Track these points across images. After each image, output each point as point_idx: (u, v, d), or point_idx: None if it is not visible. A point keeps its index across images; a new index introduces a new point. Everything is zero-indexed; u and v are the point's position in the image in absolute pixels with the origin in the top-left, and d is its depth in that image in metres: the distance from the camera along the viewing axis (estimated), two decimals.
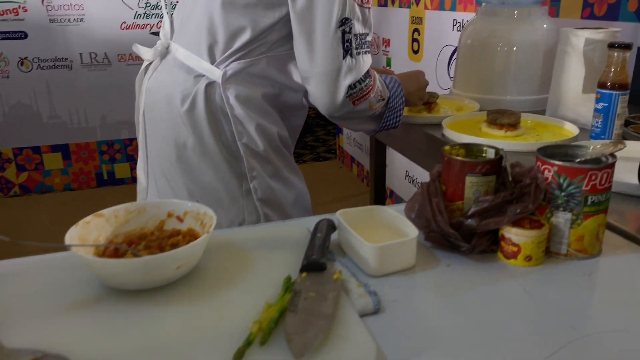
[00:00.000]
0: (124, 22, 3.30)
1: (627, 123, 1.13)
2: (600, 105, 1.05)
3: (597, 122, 1.06)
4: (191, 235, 0.64)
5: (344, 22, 0.94)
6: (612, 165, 0.62)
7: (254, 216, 1.03)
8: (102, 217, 0.65)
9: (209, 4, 0.99)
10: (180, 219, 0.67)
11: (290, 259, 0.65)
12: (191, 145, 1.00)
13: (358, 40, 0.97)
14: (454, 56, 2.26)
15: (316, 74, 0.96)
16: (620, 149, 0.62)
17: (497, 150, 0.71)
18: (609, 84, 1.03)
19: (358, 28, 0.96)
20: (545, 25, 1.39)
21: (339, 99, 0.96)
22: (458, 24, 2.20)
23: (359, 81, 0.98)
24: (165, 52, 1.08)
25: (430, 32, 2.46)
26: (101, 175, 3.57)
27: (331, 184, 3.50)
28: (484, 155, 0.74)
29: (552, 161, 0.64)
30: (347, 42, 0.95)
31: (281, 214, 1.05)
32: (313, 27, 0.94)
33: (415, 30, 2.57)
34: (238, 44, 0.97)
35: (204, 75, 0.99)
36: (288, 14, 0.96)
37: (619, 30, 1.19)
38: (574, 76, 1.20)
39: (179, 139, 1.01)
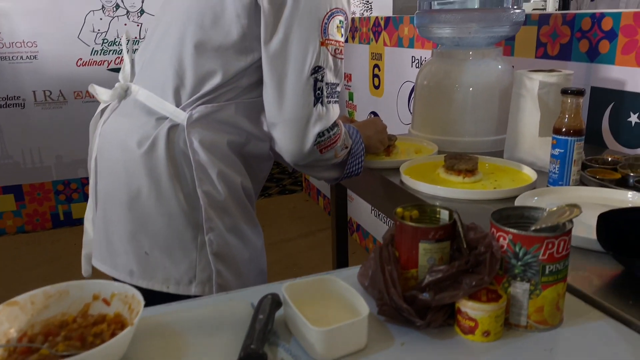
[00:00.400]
0: (80, 59, 3.22)
1: (584, 166, 1.12)
2: (556, 151, 1.03)
3: (554, 168, 1.04)
4: (117, 322, 0.58)
5: (317, 70, 0.92)
6: (568, 232, 0.59)
7: (206, 272, 0.97)
8: (16, 306, 0.58)
9: (179, 45, 0.95)
10: (107, 302, 0.61)
11: (231, 343, 0.59)
12: (146, 191, 0.94)
13: (329, 89, 0.95)
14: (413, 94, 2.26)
15: (285, 120, 0.93)
16: (577, 215, 0.59)
17: (451, 213, 0.68)
18: (564, 129, 1.02)
19: (330, 77, 0.95)
20: (500, 66, 1.39)
21: (307, 146, 0.94)
22: (417, 61, 2.21)
23: (328, 129, 0.96)
24: (124, 94, 1.03)
25: (390, 68, 2.47)
26: (57, 216, 3.42)
27: (297, 218, 3.44)
28: (437, 216, 0.70)
29: (507, 229, 0.60)
30: (319, 90, 0.93)
31: (235, 272, 0.99)
32: (285, 73, 0.92)
33: (376, 66, 2.58)
34: (207, 87, 0.94)
35: (167, 118, 0.95)
36: (260, 59, 0.93)
37: (572, 73, 1.19)
38: (529, 119, 1.20)
39: (132, 184, 0.95)
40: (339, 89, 0.98)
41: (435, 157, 1.28)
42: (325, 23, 0.92)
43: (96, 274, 1.06)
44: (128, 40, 1.06)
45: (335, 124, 0.98)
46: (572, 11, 1.45)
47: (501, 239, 0.61)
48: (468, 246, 0.64)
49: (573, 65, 1.45)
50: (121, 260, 0.98)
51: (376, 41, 2.53)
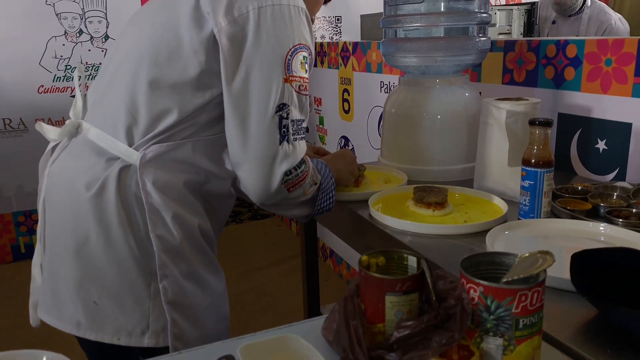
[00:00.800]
0: (42, 86, 3.12)
1: (554, 195, 1.10)
2: (526, 183, 1.01)
3: (524, 200, 1.02)
4: None
5: (282, 108, 0.88)
6: (542, 283, 0.56)
7: (161, 322, 0.91)
8: None
9: (132, 81, 0.89)
10: None
11: None
12: (94, 237, 0.88)
13: (295, 126, 0.91)
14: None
15: (250, 159, 0.89)
16: (550, 265, 0.55)
17: (419, 261, 0.64)
18: (533, 161, 1.00)
19: (295, 114, 0.91)
20: (467, 94, 1.38)
21: (273, 185, 0.90)
22: (385, 86, 2.20)
23: (295, 167, 0.92)
24: (74, 132, 0.97)
25: (359, 93, 2.45)
26: (18, 249, 3.28)
27: (270, 245, 3.37)
28: (405, 262, 0.66)
29: (478, 280, 0.56)
30: (284, 127, 0.90)
31: (192, 320, 0.93)
32: (248, 111, 0.88)
33: (345, 90, 2.56)
34: (162, 126, 0.89)
35: (119, 158, 0.89)
36: (220, 95, 0.89)
37: (539, 101, 1.18)
38: (498, 149, 1.18)
39: (79, 229, 0.89)
40: (304, 124, 0.94)
41: (404, 188, 1.24)
42: (289, 59, 0.88)
43: (46, 323, 0.99)
44: (80, 76, 1.00)
45: (302, 161, 0.94)
46: (536, 38, 1.45)
47: (472, 291, 0.57)
48: (437, 298, 0.60)
49: (539, 91, 1.45)
50: (68, 311, 0.91)
51: (345, 66, 2.52)
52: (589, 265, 0.72)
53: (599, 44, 1.27)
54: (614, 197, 1.09)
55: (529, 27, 2.57)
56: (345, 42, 2.49)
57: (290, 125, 0.90)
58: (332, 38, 3.69)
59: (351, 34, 3.67)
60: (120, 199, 0.87)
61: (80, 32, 3.13)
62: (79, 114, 0.98)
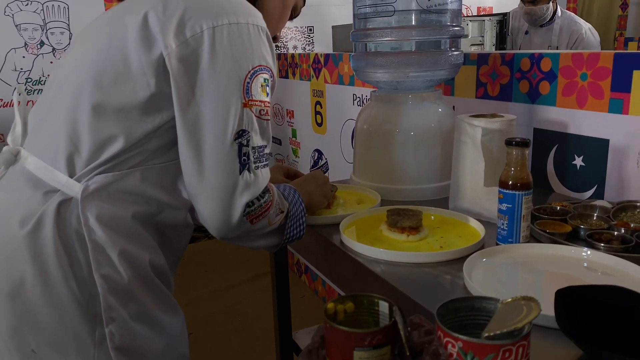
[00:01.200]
0: (1, 99, 2.98)
1: (532, 217, 1.05)
2: (504, 206, 0.96)
3: (502, 224, 0.97)
4: None
5: (241, 135, 0.81)
6: (527, 336, 0.50)
7: None
8: None
9: (73, 106, 0.81)
10: None
11: None
12: (30, 279, 0.79)
13: (256, 154, 0.84)
14: None
15: (207, 190, 0.81)
16: (536, 316, 0.49)
17: (391, 308, 0.57)
18: (510, 183, 0.95)
19: (256, 140, 0.84)
20: (440, 109, 1.33)
21: (234, 218, 0.82)
22: (358, 99, 2.15)
23: (258, 198, 0.84)
24: (12, 160, 0.88)
25: (332, 106, 2.39)
26: None
27: (244, 261, 3.27)
28: (376, 308, 0.60)
29: (456, 335, 0.50)
30: (245, 155, 0.82)
31: None
32: (204, 139, 0.80)
33: (317, 103, 2.50)
34: (107, 154, 0.81)
35: (58, 191, 0.81)
36: (172, 119, 0.81)
37: (514, 118, 1.14)
38: (473, 168, 1.12)
39: (14, 270, 0.80)
40: (267, 151, 0.88)
41: (377, 210, 1.18)
42: (248, 82, 0.82)
43: None
44: (20, 97, 0.91)
45: (266, 190, 0.87)
46: (510, 51, 1.42)
47: (450, 346, 0.51)
48: (411, 352, 0.53)
49: (514, 106, 1.41)
50: None
51: (317, 78, 2.46)
52: (574, 302, 0.66)
53: (574, 57, 1.24)
54: (594, 218, 1.05)
55: (502, 37, 2.56)
56: (316, 54, 2.44)
57: (251, 152, 0.83)
58: (304, 49, 3.63)
59: (324, 44, 3.63)
60: (59, 237, 0.79)
61: (42, 43, 3.01)
62: (18, 139, 0.89)
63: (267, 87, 0.86)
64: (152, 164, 0.84)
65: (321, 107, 2.49)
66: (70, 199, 0.80)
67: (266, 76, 0.85)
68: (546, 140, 1.33)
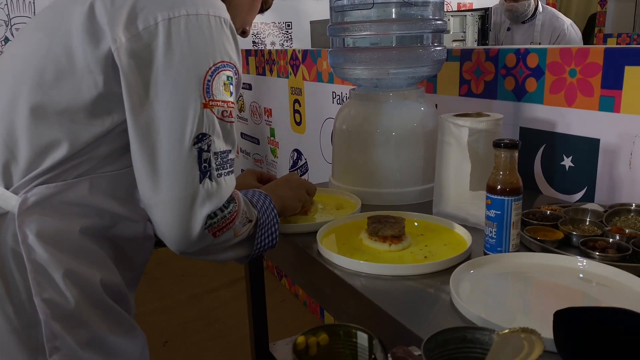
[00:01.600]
0: None
1: (521, 222, 0.99)
2: (492, 213, 0.89)
3: (490, 232, 0.90)
4: None
5: (201, 139, 0.72)
6: None
7: None
8: None
9: (9, 108, 0.72)
10: None
11: None
12: None
13: (219, 160, 0.75)
14: None
15: (163, 201, 0.73)
16: (540, 353, 0.42)
17: (371, 340, 0.49)
18: (498, 187, 0.88)
19: (219, 145, 0.76)
20: (422, 108, 1.25)
21: (194, 232, 0.73)
22: (338, 97, 2.07)
23: (221, 208, 0.76)
24: None
25: (311, 104, 2.31)
26: None
27: (221, 265, 3.17)
28: (354, 340, 0.52)
29: None
30: (205, 162, 0.74)
31: None
32: (159, 144, 0.72)
33: (296, 101, 2.42)
34: (48, 162, 0.72)
35: None
36: (124, 122, 0.72)
37: (501, 117, 1.07)
38: (458, 171, 1.06)
39: None
40: (232, 155, 0.79)
41: (357, 217, 1.11)
42: (208, 80, 0.73)
43: None
44: None
45: (230, 200, 0.78)
46: (494, 46, 1.36)
47: None
48: None
49: (499, 104, 1.34)
50: None
51: (295, 75, 2.37)
52: (574, 325, 0.59)
53: (562, 53, 1.18)
54: (587, 223, 0.99)
55: (483, 33, 2.51)
56: (294, 50, 2.35)
57: (212, 158, 0.74)
58: (282, 45, 3.54)
59: (303, 41, 3.54)
60: None
61: (6, 39, 2.87)
62: None
63: (231, 86, 0.77)
64: (103, 172, 0.75)
65: (300, 106, 2.40)
66: (5, 214, 0.71)
67: (229, 73, 0.77)
68: (533, 140, 1.27)
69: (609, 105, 1.09)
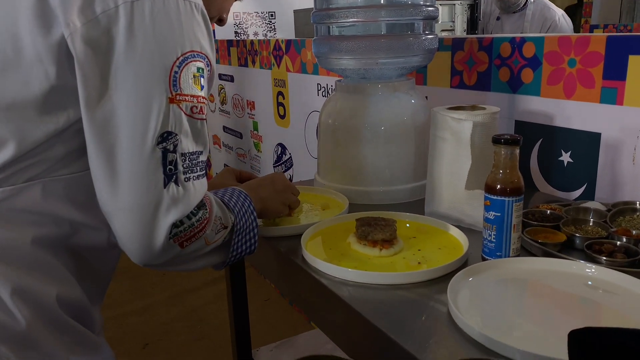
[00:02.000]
0: None
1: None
2: (491, 215, 0.82)
3: (489, 235, 0.83)
4: None
5: (166, 138, 0.64)
6: None
7: None
8: None
9: None
10: None
11: None
12: None
13: (187, 162, 0.67)
14: None
15: (123, 209, 0.64)
16: None
17: None
18: (498, 187, 0.81)
19: (187, 145, 0.67)
20: (413, 101, 1.18)
21: (157, 243, 0.65)
22: (323, 89, 1.99)
23: (189, 216, 0.68)
24: None
25: (295, 96, 2.23)
26: None
27: None
28: None
29: None
30: (171, 164, 0.65)
31: None
32: (118, 143, 0.63)
33: (280, 93, 2.33)
34: None
35: None
36: (79, 120, 0.64)
37: (498, 110, 1.00)
38: (453, 169, 0.98)
39: None
40: (203, 157, 0.71)
41: (345, 218, 1.03)
42: (175, 72, 0.65)
43: None
44: None
45: (201, 205, 0.70)
46: (488, 35, 1.28)
47: None
48: None
49: (494, 96, 1.27)
50: None
51: (278, 66, 2.29)
52: (592, 347, 0.52)
53: (561, 42, 1.11)
54: (590, 224, 0.92)
55: (473, 22, 2.44)
56: (277, 40, 2.26)
57: (179, 160, 0.66)
58: (265, 35, 3.44)
59: (286, 31, 3.45)
60: None
61: None
62: None
63: (202, 79, 0.69)
64: (58, 176, 0.66)
65: (283, 98, 2.32)
66: None
67: (200, 64, 0.68)
68: (529, 134, 1.20)
69: (611, 97, 1.03)
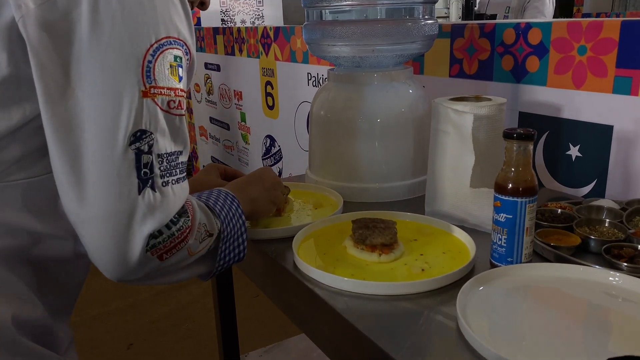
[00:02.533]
0: None
1: None
2: (502, 217, 0.74)
3: (499, 240, 0.75)
4: None
5: (139, 137, 0.56)
6: None
7: None
8: None
9: None
10: None
11: None
12: None
13: (164, 164, 0.59)
14: None
15: (92, 218, 0.56)
16: None
17: None
18: (510, 187, 0.73)
19: (164, 145, 0.59)
20: (411, 91, 1.10)
21: (133, 256, 0.57)
22: (313, 79, 1.90)
23: (168, 225, 0.59)
24: None
25: (284, 86, 2.14)
26: None
27: None
28: None
29: None
30: (146, 167, 0.57)
31: None
32: (84, 144, 0.55)
33: (268, 83, 2.24)
34: None
35: None
36: (38, 117, 0.55)
37: (504, 101, 0.92)
38: (457, 165, 0.91)
39: None
40: (183, 158, 0.63)
41: (340, 218, 0.95)
42: (149, 62, 0.56)
43: None
44: None
45: (182, 212, 0.62)
46: (490, 21, 1.21)
47: None
48: None
49: (496, 86, 1.20)
50: None
51: (266, 55, 2.19)
52: None
53: (570, 27, 1.03)
54: (606, 225, 0.85)
55: (468, 9, 2.36)
56: (265, 27, 2.16)
57: (155, 162, 0.58)
58: (253, 23, 3.33)
59: (275, 19, 3.34)
60: None
61: None
62: None
63: (180, 69, 0.60)
64: (13, 180, 0.58)
65: (272, 88, 2.22)
66: None
67: (177, 52, 0.60)
68: (534, 127, 1.11)
69: (626, 87, 0.96)
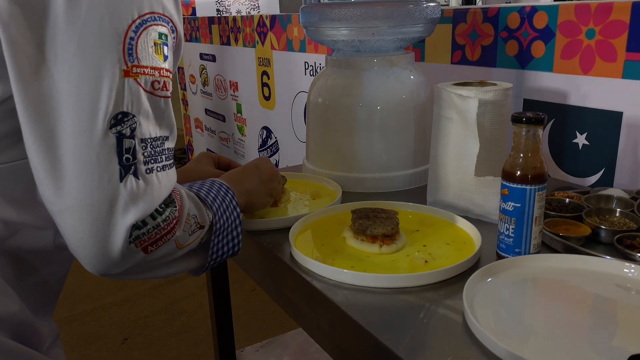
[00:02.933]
0: None
1: None
2: (509, 206, 0.71)
3: (507, 229, 0.72)
4: None
5: (121, 120, 0.52)
6: None
7: None
8: None
9: None
10: None
11: None
12: None
13: (148, 149, 0.54)
14: None
15: (70, 207, 0.51)
16: None
17: None
18: (518, 173, 0.69)
19: (147, 129, 0.55)
20: (412, 77, 1.06)
21: (115, 248, 0.53)
22: (311, 68, 1.86)
23: (153, 215, 0.55)
24: None
25: (280, 76, 2.09)
26: None
27: None
28: None
29: None
30: (128, 152, 0.53)
31: None
32: (61, 127, 0.51)
33: (264, 73, 2.19)
34: None
35: None
36: (10, 98, 0.51)
37: (510, 86, 0.88)
38: (461, 153, 0.87)
39: None
40: (170, 144, 0.58)
41: (338, 209, 0.92)
42: (131, 38, 0.52)
43: None
44: None
45: (168, 202, 0.58)
46: (494, 5, 1.17)
47: None
48: None
49: (500, 72, 1.16)
50: None
51: (262, 44, 2.14)
52: None
53: (578, 10, 0.99)
54: (617, 214, 0.81)
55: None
56: (261, 16, 2.11)
57: (138, 147, 0.53)
58: (248, 13, 3.28)
59: (271, 9, 3.29)
60: None
61: None
62: None
63: (165, 47, 0.56)
64: None
65: (268, 78, 2.18)
66: None
67: (163, 30, 0.55)
68: None
69: (636, 71, 0.92)
